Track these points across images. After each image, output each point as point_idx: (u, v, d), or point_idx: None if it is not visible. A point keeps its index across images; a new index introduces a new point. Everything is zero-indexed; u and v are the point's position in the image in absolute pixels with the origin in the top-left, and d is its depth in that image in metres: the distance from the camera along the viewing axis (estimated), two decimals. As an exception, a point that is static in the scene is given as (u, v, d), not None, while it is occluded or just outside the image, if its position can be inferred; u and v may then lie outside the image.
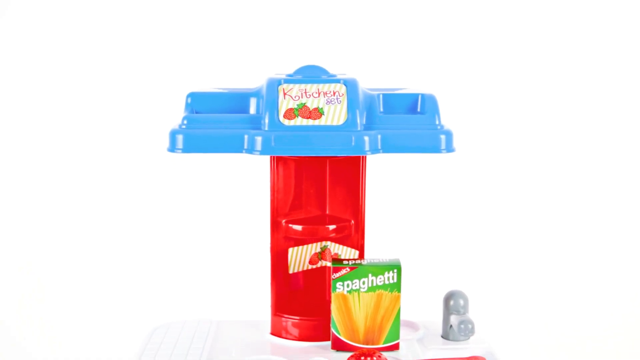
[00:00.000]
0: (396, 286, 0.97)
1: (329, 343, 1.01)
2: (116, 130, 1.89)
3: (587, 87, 1.88)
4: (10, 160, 1.86)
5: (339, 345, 0.99)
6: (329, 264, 1.05)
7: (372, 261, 0.98)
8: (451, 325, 1.03)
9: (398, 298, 0.97)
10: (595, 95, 1.89)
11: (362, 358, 0.92)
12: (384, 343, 0.99)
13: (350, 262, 0.97)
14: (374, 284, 0.97)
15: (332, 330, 0.99)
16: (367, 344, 0.99)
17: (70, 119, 1.87)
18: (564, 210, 1.88)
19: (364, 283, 0.97)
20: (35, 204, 1.83)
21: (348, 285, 0.97)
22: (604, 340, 1.70)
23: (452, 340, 1.04)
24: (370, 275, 0.96)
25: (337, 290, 0.97)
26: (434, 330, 1.07)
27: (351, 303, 0.97)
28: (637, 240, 1.84)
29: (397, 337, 0.99)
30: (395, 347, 0.99)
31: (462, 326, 1.00)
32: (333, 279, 0.97)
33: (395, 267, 0.97)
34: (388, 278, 0.97)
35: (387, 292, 0.97)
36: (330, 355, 0.99)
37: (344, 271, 0.96)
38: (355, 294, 0.97)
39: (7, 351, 1.18)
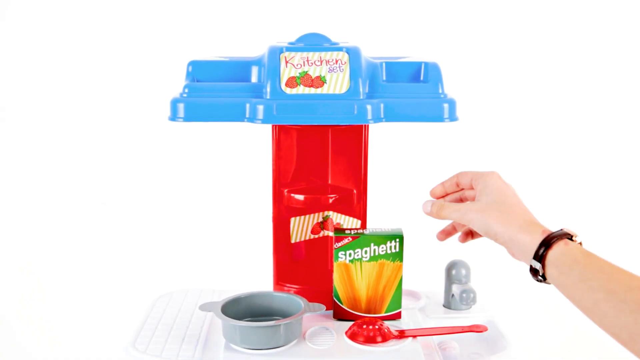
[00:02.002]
0: (398, 255, 0.97)
1: (331, 312, 1.01)
2: (117, 100, 1.89)
3: (590, 57, 1.87)
4: (10, 158, 1.86)
5: (341, 314, 0.99)
6: (331, 233, 1.05)
7: (374, 231, 0.98)
8: (453, 295, 1.03)
9: (400, 267, 0.97)
10: (599, 64, 1.88)
11: (364, 327, 0.92)
12: (385, 312, 0.99)
13: (352, 232, 0.97)
14: (376, 254, 0.97)
15: (334, 299, 0.99)
16: (369, 313, 0.99)
17: (70, 103, 1.87)
18: (566, 178, 1.88)
19: (366, 252, 0.96)
20: (35, 204, 1.83)
21: (350, 255, 0.97)
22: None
23: (453, 309, 1.04)
24: (372, 244, 0.96)
25: (339, 259, 0.97)
26: (436, 299, 1.08)
27: (353, 272, 0.97)
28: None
29: (399, 306, 0.99)
30: (397, 316, 1.00)
31: (464, 295, 1.00)
32: (335, 249, 0.96)
33: (398, 236, 0.96)
34: (390, 247, 0.96)
35: (389, 261, 0.97)
36: (332, 324, 0.99)
37: (346, 240, 0.96)
38: (358, 263, 0.97)
39: (7, 351, 1.19)
